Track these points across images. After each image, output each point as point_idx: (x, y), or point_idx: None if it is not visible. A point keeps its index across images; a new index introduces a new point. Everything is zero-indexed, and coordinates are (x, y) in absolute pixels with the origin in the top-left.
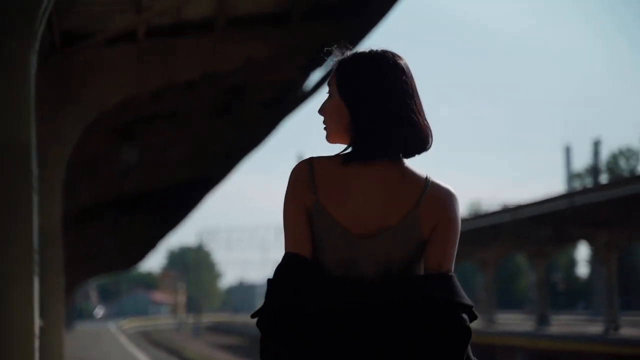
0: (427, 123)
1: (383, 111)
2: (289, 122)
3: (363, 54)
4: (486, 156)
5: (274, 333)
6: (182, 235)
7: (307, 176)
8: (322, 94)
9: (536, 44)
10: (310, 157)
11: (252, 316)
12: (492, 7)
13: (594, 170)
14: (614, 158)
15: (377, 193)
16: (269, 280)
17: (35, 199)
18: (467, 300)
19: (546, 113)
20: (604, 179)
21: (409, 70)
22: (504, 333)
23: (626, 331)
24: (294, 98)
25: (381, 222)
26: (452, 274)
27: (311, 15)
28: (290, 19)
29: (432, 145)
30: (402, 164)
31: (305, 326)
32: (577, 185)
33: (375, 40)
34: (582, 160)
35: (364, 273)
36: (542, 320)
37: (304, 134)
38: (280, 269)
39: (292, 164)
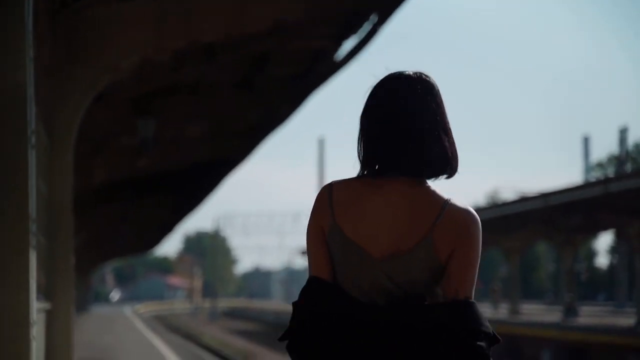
0: (449, 144)
1: (386, 131)
2: (309, 103)
3: (386, 76)
4: (502, 148)
5: (300, 356)
6: (199, 220)
7: (326, 199)
8: (354, 65)
9: (555, 37)
10: (331, 181)
11: (280, 339)
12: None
13: (621, 159)
14: (637, 147)
15: (392, 215)
16: (294, 303)
17: (32, 154)
18: (487, 327)
19: (564, 105)
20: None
21: (431, 90)
22: (530, 324)
23: None
24: (323, 70)
25: (396, 245)
26: (472, 300)
27: None
28: None
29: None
30: (423, 184)
31: (327, 349)
32: (599, 175)
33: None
34: (599, 152)
35: (381, 295)
36: (570, 312)
37: (325, 116)
38: (302, 293)
39: (313, 149)
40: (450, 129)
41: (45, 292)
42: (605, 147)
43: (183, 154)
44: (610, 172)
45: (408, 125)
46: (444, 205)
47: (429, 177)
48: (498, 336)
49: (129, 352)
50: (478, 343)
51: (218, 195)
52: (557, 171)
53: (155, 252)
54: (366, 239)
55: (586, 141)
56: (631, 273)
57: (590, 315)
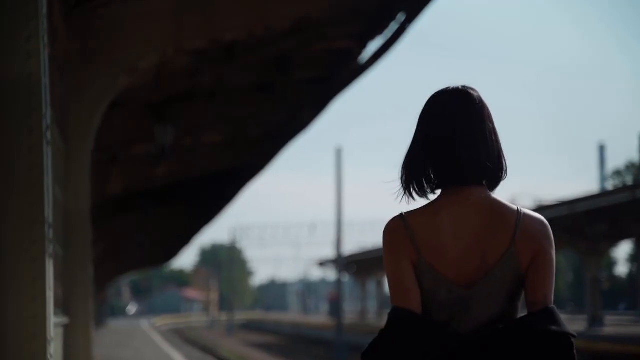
0: (498, 152)
1: (417, 144)
2: (327, 111)
3: (434, 93)
4: (517, 156)
5: None
6: (214, 233)
7: (404, 232)
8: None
9: (570, 43)
10: (400, 213)
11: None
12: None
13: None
14: None
15: (472, 237)
16: (381, 332)
17: (48, 151)
18: (569, 328)
19: (580, 112)
20: None
21: (477, 102)
22: None
23: None
24: (347, 72)
25: (482, 267)
26: (553, 305)
27: None
28: None
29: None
30: (489, 197)
31: None
32: (617, 183)
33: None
34: (614, 161)
35: (475, 320)
36: (595, 321)
37: (341, 126)
38: (393, 325)
39: (329, 159)
40: (497, 134)
41: (63, 306)
42: (620, 155)
43: (201, 163)
44: (629, 180)
45: (460, 135)
46: (519, 216)
47: (487, 185)
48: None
49: None
50: (572, 345)
51: (233, 207)
52: (573, 179)
53: (171, 265)
54: (454, 270)
55: (602, 149)
56: None
57: (614, 324)
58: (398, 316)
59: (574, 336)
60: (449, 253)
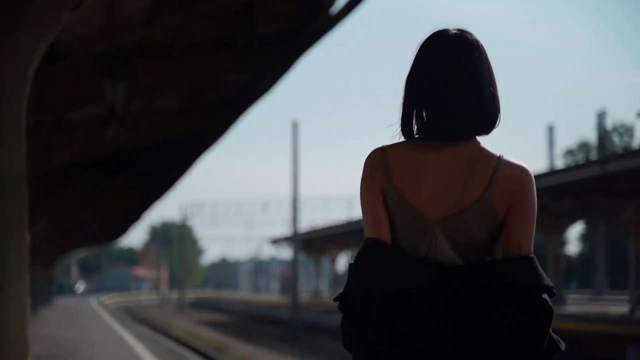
0: (493, 100)
1: (429, 93)
2: (280, 91)
3: (428, 36)
4: None
5: (356, 316)
6: (164, 210)
7: (380, 161)
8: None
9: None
10: (382, 145)
11: (335, 300)
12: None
13: (602, 140)
14: (607, 134)
15: (450, 176)
16: (350, 265)
17: None
18: (548, 280)
19: (529, 94)
20: (594, 155)
21: (473, 47)
22: None
23: None
24: (318, 25)
25: (454, 205)
26: (532, 255)
27: None
28: None
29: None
30: (476, 143)
31: (385, 309)
32: (569, 162)
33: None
34: (566, 142)
35: (439, 256)
36: (558, 300)
37: (294, 101)
38: (360, 254)
39: (284, 137)
40: (494, 83)
41: None
42: (566, 137)
43: (154, 130)
44: (581, 158)
45: (451, 85)
46: (498, 162)
47: (476, 135)
48: (554, 290)
49: (96, 346)
50: (544, 297)
51: (184, 185)
52: (531, 161)
53: (120, 243)
54: (425, 202)
55: (551, 130)
56: (610, 260)
57: (574, 303)
58: (368, 245)
59: (549, 288)
60: (421, 185)
